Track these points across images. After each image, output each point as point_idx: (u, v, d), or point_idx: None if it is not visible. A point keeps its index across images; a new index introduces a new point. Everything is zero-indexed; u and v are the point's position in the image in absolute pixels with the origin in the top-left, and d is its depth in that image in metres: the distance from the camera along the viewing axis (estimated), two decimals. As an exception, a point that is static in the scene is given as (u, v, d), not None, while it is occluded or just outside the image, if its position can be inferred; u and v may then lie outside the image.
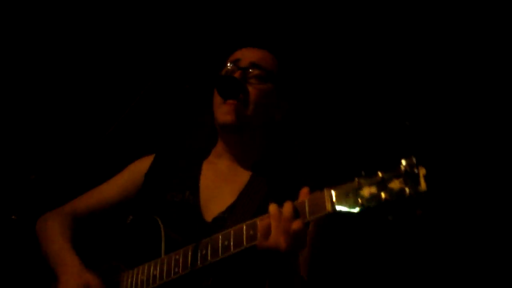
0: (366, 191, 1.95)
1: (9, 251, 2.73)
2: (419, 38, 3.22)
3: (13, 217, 2.36)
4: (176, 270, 2.26)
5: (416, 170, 1.87)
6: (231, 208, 2.49)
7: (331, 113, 3.32)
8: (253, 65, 2.60)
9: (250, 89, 2.56)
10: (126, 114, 2.38)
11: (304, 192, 2.07)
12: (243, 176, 2.59)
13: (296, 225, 1.99)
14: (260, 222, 2.06)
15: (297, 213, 2.02)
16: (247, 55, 2.64)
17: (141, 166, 2.75)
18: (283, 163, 2.66)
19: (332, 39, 3.42)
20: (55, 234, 2.64)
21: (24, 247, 2.75)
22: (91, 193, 2.79)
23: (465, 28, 3.09)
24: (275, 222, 2.02)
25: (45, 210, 2.74)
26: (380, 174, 1.94)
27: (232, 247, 2.15)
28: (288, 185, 2.52)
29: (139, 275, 2.38)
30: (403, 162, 1.91)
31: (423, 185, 1.86)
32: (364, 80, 3.29)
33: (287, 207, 2.02)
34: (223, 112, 2.54)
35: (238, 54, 2.66)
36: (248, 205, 2.49)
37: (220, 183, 2.60)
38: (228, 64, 2.64)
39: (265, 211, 2.35)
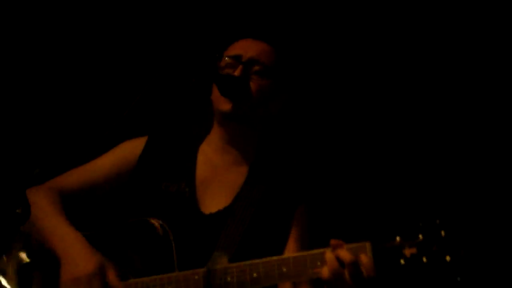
0: (408, 252, 2.09)
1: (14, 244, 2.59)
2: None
3: (17, 210, 2.24)
4: None
5: (457, 238, 2.04)
6: (229, 209, 2.55)
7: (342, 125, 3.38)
8: (254, 61, 2.66)
9: (251, 84, 2.62)
10: (129, 109, 2.35)
11: (334, 241, 2.13)
12: (240, 176, 2.66)
13: (369, 268, 2.05)
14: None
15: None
16: (248, 49, 2.69)
17: (133, 148, 2.72)
18: (279, 166, 2.74)
19: (337, 32, 3.46)
20: (45, 207, 2.55)
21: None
22: (76, 171, 2.71)
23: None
24: (337, 271, 2.07)
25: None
26: (421, 237, 2.08)
27: (263, 281, 2.20)
28: (283, 189, 2.63)
29: None
30: (444, 228, 2.06)
31: (463, 252, 2.03)
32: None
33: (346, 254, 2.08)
34: (224, 101, 2.59)
35: (239, 49, 2.70)
36: (245, 208, 2.56)
37: (216, 179, 2.65)
38: (227, 58, 2.66)
39: (261, 216, 2.50)
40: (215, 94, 2.65)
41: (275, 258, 2.22)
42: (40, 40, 3.57)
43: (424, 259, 2.07)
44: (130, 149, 2.72)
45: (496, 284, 3.10)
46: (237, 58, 2.65)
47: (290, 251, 2.53)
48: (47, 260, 2.54)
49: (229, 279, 2.25)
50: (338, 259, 2.08)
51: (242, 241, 2.47)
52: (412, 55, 3.33)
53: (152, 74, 2.39)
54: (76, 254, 2.39)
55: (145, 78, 2.39)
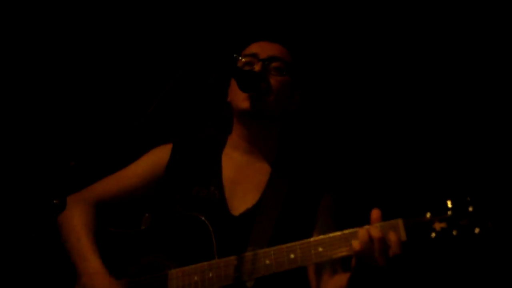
0: (438, 226, 2.19)
1: (51, 233, 2.64)
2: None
3: (55, 201, 2.31)
4: (237, 275, 2.33)
5: (485, 211, 2.14)
6: (257, 206, 2.62)
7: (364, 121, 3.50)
8: (273, 57, 2.74)
9: (271, 80, 2.70)
10: (156, 104, 2.43)
11: (375, 215, 2.24)
12: (263, 174, 2.72)
13: (395, 246, 2.17)
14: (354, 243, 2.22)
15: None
16: (265, 48, 2.77)
17: (160, 156, 2.78)
18: (300, 161, 2.82)
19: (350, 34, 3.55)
20: (77, 226, 2.63)
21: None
22: (111, 180, 2.79)
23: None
24: (367, 245, 2.19)
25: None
26: (449, 212, 2.19)
27: (299, 261, 2.27)
28: (306, 181, 2.71)
29: (192, 275, 2.40)
30: (472, 202, 2.16)
31: (491, 225, 2.14)
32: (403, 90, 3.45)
33: (376, 231, 2.21)
34: (244, 98, 2.65)
35: (256, 48, 2.79)
36: (272, 204, 2.63)
37: (242, 178, 2.71)
38: (245, 56, 2.74)
39: (288, 210, 2.59)
40: (234, 93, 2.70)
41: (312, 239, 2.32)
42: (77, 35, 3.75)
43: (454, 232, 2.16)
44: (157, 159, 2.77)
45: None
46: (255, 56, 2.73)
47: None
48: None
49: (267, 261, 2.33)
50: (369, 234, 2.19)
51: (273, 235, 2.54)
52: (422, 56, 3.45)
53: (173, 73, 2.46)
54: (88, 281, 2.48)
55: (167, 77, 2.47)
